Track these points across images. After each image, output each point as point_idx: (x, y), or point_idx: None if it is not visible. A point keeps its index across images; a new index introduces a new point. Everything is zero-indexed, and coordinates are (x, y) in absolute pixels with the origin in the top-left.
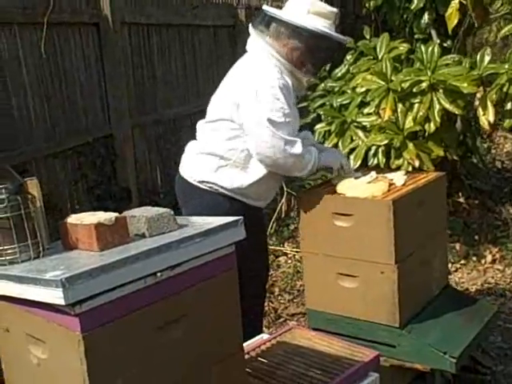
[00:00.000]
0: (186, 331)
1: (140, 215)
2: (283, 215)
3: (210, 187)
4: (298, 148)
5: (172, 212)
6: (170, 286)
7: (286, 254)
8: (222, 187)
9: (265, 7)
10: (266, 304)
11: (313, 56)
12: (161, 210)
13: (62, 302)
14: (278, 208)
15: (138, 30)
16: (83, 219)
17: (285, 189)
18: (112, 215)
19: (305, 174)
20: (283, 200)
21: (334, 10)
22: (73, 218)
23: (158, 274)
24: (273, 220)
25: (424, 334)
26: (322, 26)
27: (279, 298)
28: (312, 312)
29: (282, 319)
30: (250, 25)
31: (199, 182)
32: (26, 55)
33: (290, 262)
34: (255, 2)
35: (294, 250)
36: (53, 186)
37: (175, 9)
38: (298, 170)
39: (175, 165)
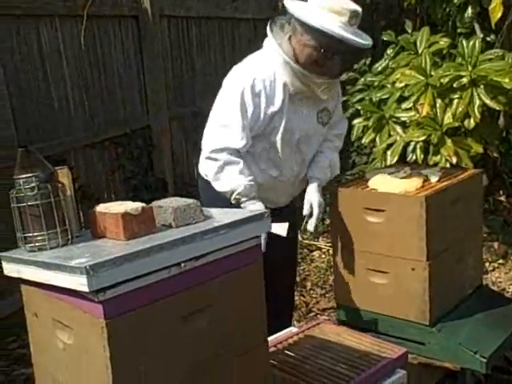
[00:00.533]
0: (209, 321)
1: (167, 206)
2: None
3: None
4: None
5: (199, 203)
6: (194, 277)
7: (319, 249)
8: None
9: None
10: (297, 298)
11: (319, 55)
12: (188, 200)
13: (85, 288)
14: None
15: (177, 22)
16: (111, 208)
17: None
18: (139, 205)
19: (226, 193)
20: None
21: (351, 7)
22: (101, 207)
23: (182, 265)
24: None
25: (454, 333)
26: (333, 24)
27: (311, 292)
28: (341, 307)
29: (312, 313)
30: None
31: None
32: (66, 47)
33: (323, 256)
34: None
35: (328, 244)
36: (90, 176)
37: (215, 2)
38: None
39: None
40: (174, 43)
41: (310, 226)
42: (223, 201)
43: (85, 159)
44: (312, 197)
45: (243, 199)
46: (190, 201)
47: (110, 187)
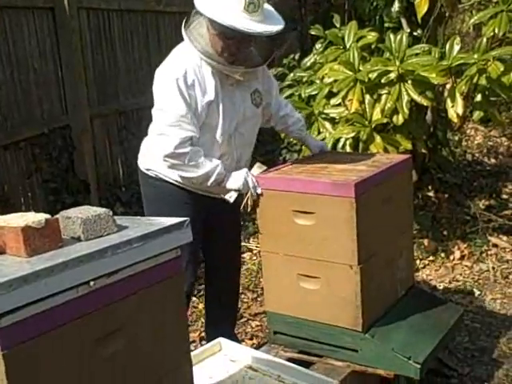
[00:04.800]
0: (126, 343)
1: (75, 216)
2: (249, 209)
3: (155, 175)
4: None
5: (111, 212)
6: (105, 296)
7: (250, 250)
8: (165, 175)
9: None
10: None
11: (225, 45)
12: (98, 210)
13: None
14: (244, 201)
15: (97, 14)
16: (10, 221)
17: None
18: (42, 217)
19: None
20: (249, 193)
21: None
22: (0, 220)
23: (92, 283)
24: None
25: (387, 338)
26: (230, 13)
27: (242, 296)
28: (272, 314)
29: (244, 319)
30: None
31: (146, 169)
32: None
33: (254, 258)
34: None
35: (259, 246)
36: (5, 180)
37: None
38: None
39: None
40: (95, 37)
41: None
42: (170, 193)
43: None
44: (315, 143)
45: (223, 177)
46: (101, 210)
47: (26, 191)
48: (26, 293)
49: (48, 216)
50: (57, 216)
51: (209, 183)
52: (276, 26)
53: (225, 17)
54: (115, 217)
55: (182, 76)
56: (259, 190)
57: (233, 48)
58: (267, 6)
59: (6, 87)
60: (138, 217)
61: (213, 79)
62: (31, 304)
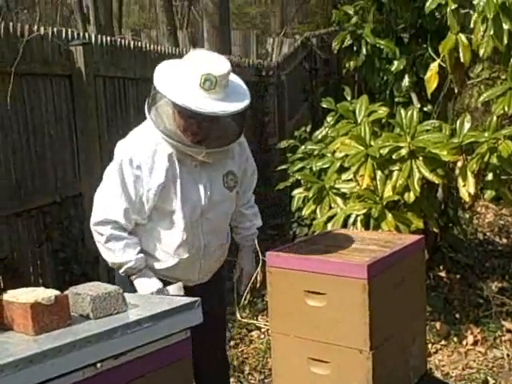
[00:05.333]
0: None
1: (85, 293)
2: (258, 285)
3: None
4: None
5: (121, 290)
6: (113, 378)
7: (259, 329)
8: None
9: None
10: None
11: (185, 123)
12: (109, 287)
13: None
14: (253, 278)
15: (113, 82)
16: (20, 297)
17: (260, 257)
18: (52, 294)
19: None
20: (258, 269)
21: (203, 70)
22: (9, 295)
23: (98, 365)
24: (247, 290)
25: None
26: (187, 90)
27: (249, 377)
28: None
29: None
30: None
31: None
32: None
33: (262, 337)
34: (236, 58)
35: (268, 324)
36: (15, 248)
37: (153, 63)
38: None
39: None
40: (110, 104)
41: (240, 290)
42: None
43: (9, 229)
44: (242, 262)
45: (134, 272)
46: (111, 288)
47: (36, 260)
48: (32, 374)
49: (57, 292)
50: (66, 292)
51: (120, 271)
52: (238, 104)
53: (178, 95)
54: (125, 294)
55: (128, 159)
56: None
57: (194, 127)
58: (234, 79)
59: (21, 154)
60: (150, 295)
61: (167, 162)
62: None
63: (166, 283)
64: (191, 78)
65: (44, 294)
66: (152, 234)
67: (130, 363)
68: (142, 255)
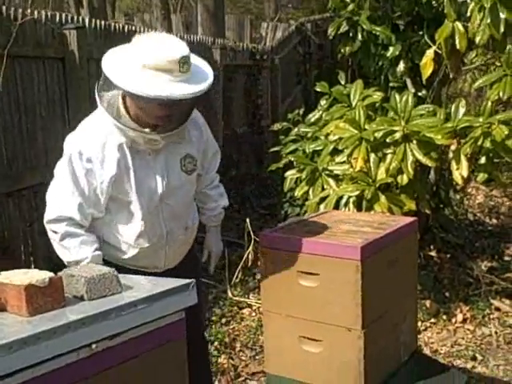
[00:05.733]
0: None
1: (79, 275)
2: (250, 264)
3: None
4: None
5: (116, 272)
6: (107, 358)
7: (250, 306)
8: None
9: (105, 55)
10: (225, 361)
11: (149, 115)
12: (103, 269)
13: None
14: (245, 256)
15: None
16: (13, 278)
17: (252, 236)
18: (46, 275)
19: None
20: (250, 248)
21: (177, 55)
22: (2, 276)
23: (94, 346)
24: (238, 269)
25: None
26: (160, 84)
27: (240, 354)
28: (271, 377)
29: (241, 378)
30: None
31: None
32: None
33: (254, 314)
34: (231, 42)
35: (259, 302)
36: (5, 227)
37: None
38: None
39: None
40: None
41: (210, 271)
42: None
43: (0, 208)
44: (209, 244)
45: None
46: (106, 269)
47: (27, 239)
48: (26, 355)
49: (51, 274)
50: (60, 274)
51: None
52: (206, 81)
53: (146, 87)
54: (120, 275)
55: (78, 152)
56: None
57: (159, 113)
58: (194, 60)
59: (12, 134)
60: (143, 276)
61: (118, 152)
62: (31, 367)
63: (134, 272)
64: (169, 69)
65: (38, 275)
66: (111, 226)
67: (125, 344)
68: (98, 253)
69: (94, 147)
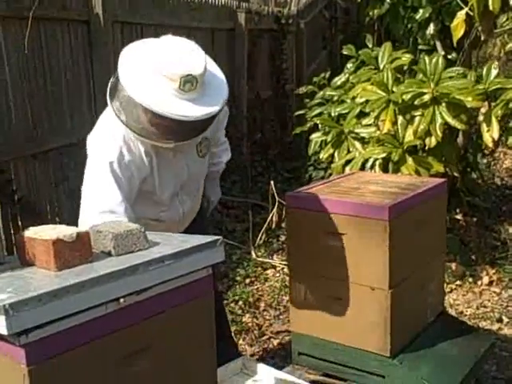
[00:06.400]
0: (152, 364)
1: (106, 231)
2: (273, 226)
3: None
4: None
5: (143, 229)
6: (135, 313)
7: (274, 267)
8: None
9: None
10: (249, 320)
11: (157, 125)
12: (131, 225)
13: (4, 331)
14: (269, 218)
15: (130, 29)
16: (41, 233)
17: (276, 198)
18: (74, 230)
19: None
20: (274, 210)
21: (183, 71)
22: (31, 232)
23: (121, 300)
24: (262, 231)
25: (416, 366)
26: (161, 94)
27: (264, 313)
28: (297, 335)
29: (265, 337)
30: None
31: None
32: (8, 51)
33: (278, 275)
34: (255, 6)
35: (283, 262)
36: (32, 188)
37: (171, 10)
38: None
39: None
40: None
41: (206, 216)
42: None
43: (26, 170)
44: (209, 193)
45: None
46: (133, 226)
47: (53, 200)
48: (55, 308)
49: (79, 230)
50: (88, 229)
51: None
52: (217, 101)
53: (152, 100)
54: (147, 232)
55: (117, 158)
56: None
57: (166, 128)
58: (209, 67)
59: (37, 97)
60: (171, 233)
61: (144, 154)
62: (59, 320)
63: None
64: (172, 79)
65: (66, 231)
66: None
67: (152, 299)
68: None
69: (129, 151)
